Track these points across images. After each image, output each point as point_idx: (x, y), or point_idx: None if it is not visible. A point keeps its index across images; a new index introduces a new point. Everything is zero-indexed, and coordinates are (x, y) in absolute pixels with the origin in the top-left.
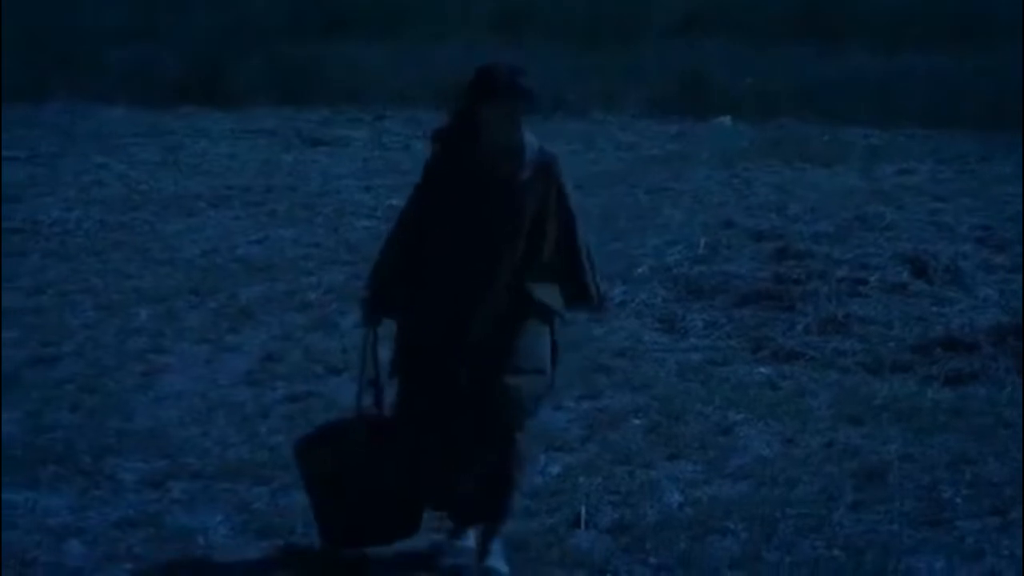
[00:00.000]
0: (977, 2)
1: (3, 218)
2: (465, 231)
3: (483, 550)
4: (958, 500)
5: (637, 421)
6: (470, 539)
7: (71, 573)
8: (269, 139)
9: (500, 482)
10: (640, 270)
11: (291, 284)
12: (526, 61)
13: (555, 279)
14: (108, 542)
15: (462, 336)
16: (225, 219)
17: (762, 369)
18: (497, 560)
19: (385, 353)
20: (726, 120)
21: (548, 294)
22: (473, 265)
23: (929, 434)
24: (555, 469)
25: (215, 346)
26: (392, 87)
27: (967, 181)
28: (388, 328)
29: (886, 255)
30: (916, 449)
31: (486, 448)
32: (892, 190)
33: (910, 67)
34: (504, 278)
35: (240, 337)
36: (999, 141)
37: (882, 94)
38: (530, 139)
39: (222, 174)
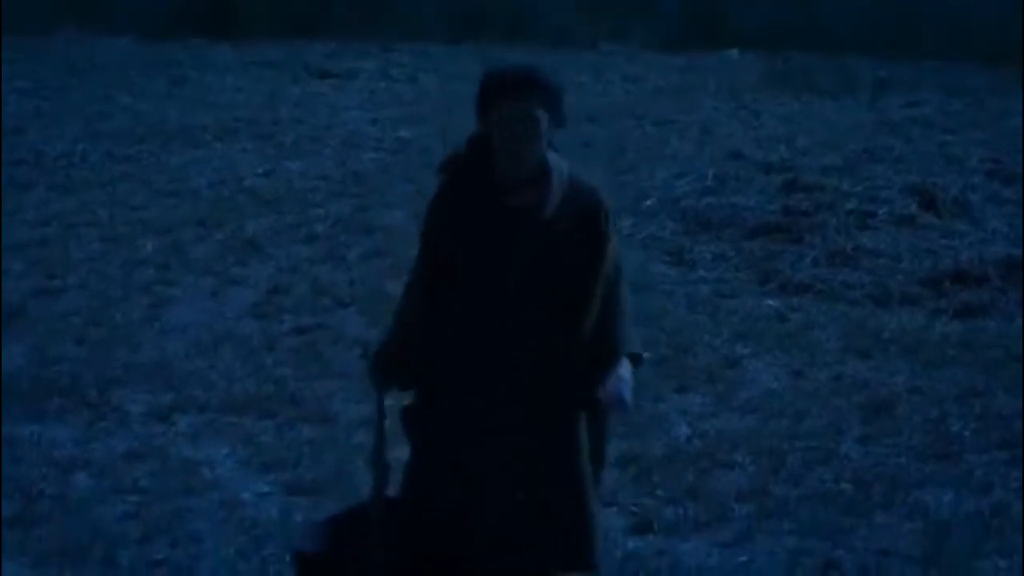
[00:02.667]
0: None
1: (8, 150)
2: (484, 282)
3: None
4: (966, 433)
5: (645, 354)
6: None
7: (77, 505)
8: (276, 71)
9: None
10: (648, 203)
11: (298, 216)
12: None
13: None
14: (114, 474)
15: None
16: (232, 151)
17: (770, 302)
18: None
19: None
20: (734, 52)
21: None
22: (496, 331)
23: (937, 367)
24: None
25: (221, 278)
26: (400, 19)
27: (976, 113)
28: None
29: (895, 188)
30: (924, 382)
31: None
32: (901, 122)
33: None
34: (534, 348)
35: (247, 269)
36: (1008, 73)
37: (891, 26)
38: (559, 163)
39: (228, 106)
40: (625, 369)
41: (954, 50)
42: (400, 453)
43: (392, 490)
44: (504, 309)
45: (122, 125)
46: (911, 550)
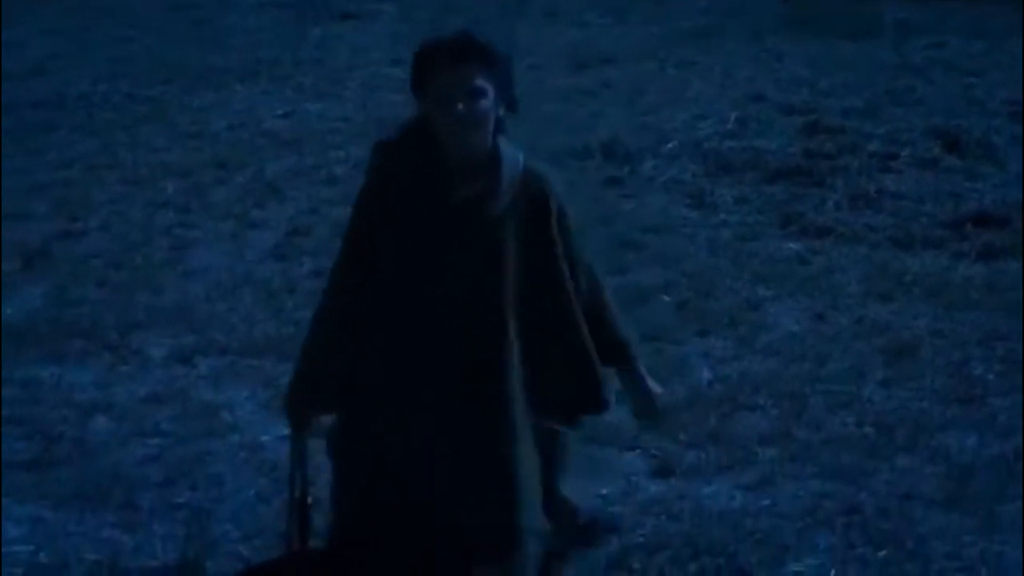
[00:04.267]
0: None
1: (29, 91)
2: (423, 288)
3: None
4: (989, 376)
5: (666, 297)
6: None
7: (97, 448)
8: (297, 12)
9: None
10: (669, 145)
11: (318, 158)
12: None
13: (561, 364)
14: (134, 418)
15: (428, 452)
16: (252, 93)
17: (792, 245)
18: None
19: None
20: None
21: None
22: (438, 339)
23: (960, 310)
24: None
25: (242, 221)
26: None
27: (999, 55)
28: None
29: (917, 130)
30: (947, 325)
31: None
32: (923, 64)
33: None
34: (484, 357)
35: (267, 212)
36: None
37: None
38: (510, 150)
39: (250, 47)
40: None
41: None
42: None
43: (315, 536)
44: (450, 318)
45: (143, 66)
46: (934, 494)
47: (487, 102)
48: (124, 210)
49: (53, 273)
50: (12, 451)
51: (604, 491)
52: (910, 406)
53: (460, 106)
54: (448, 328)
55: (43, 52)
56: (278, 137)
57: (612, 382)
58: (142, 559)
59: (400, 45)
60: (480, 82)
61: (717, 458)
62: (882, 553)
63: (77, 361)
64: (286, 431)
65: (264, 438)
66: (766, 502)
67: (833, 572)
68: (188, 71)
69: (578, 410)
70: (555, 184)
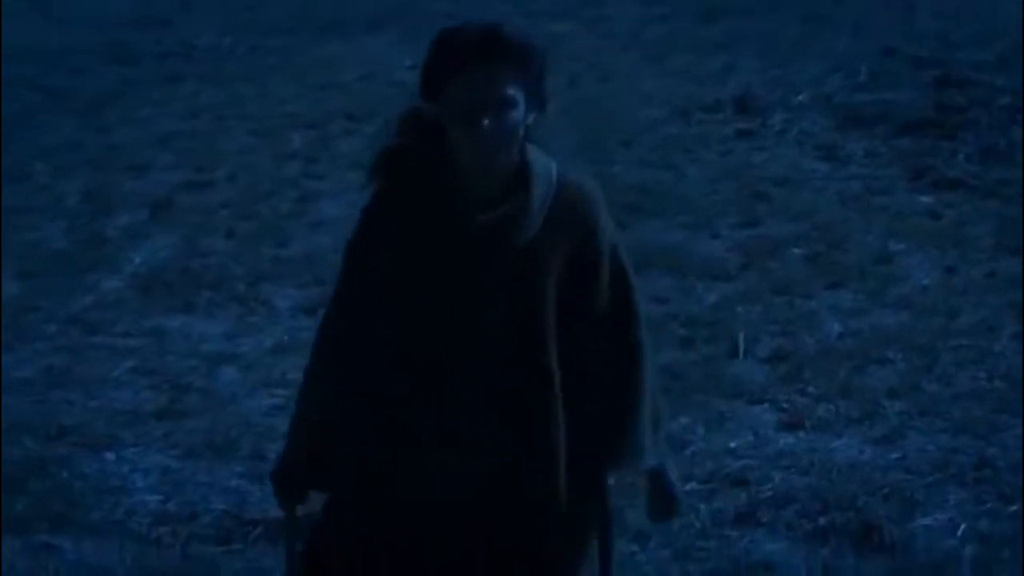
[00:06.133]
0: None
1: (157, 42)
2: (440, 340)
3: None
4: None
5: (796, 250)
6: None
7: (225, 399)
8: None
9: None
10: (800, 98)
11: None
12: None
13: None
14: (262, 368)
15: (460, 541)
16: (381, 44)
17: (922, 198)
18: None
19: None
20: None
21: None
22: (465, 398)
23: None
24: (712, 298)
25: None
26: None
27: None
28: None
29: None
30: None
31: None
32: None
33: None
34: (512, 411)
35: None
36: None
37: None
38: (543, 162)
39: None
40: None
41: None
42: None
43: None
44: (471, 365)
45: (271, 16)
46: None
47: (517, 114)
48: (251, 161)
49: (180, 224)
50: (140, 401)
51: (732, 444)
52: None
53: (485, 121)
54: (476, 384)
55: (171, 3)
56: (406, 88)
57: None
58: (269, 509)
59: None
60: (511, 90)
61: (846, 411)
62: (1013, 508)
63: (205, 312)
64: None
65: None
66: (895, 456)
67: (963, 527)
68: (316, 21)
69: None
70: (599, 198)
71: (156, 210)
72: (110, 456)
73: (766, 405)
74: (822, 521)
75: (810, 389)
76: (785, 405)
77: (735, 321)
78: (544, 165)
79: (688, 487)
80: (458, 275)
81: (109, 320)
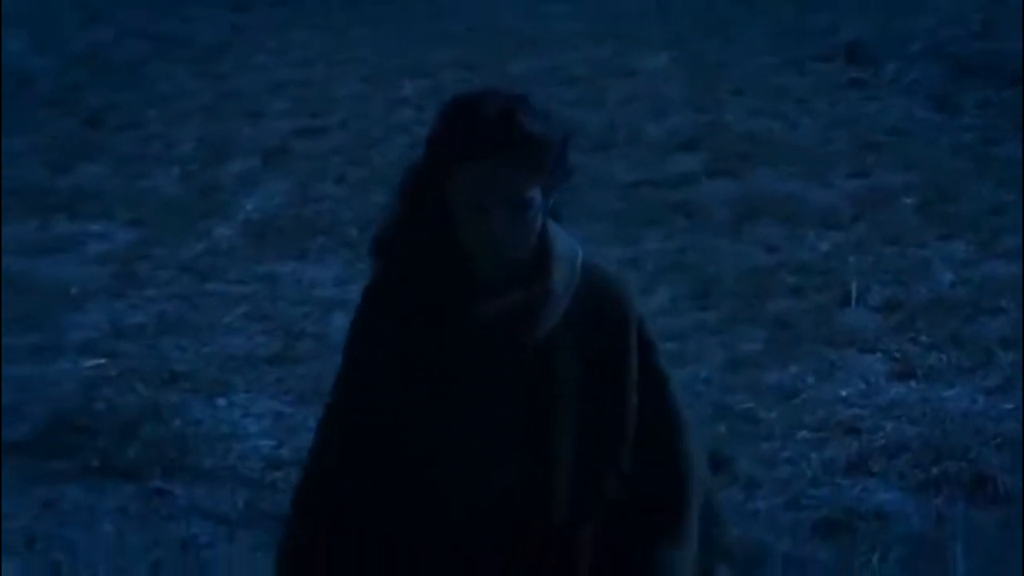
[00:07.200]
0: None
1: None
2: (444, 449)
3: None
4: None
5: (908, 200)
6: None
7: (337, 345)
8: None
9: None
10: (913, 48)
11: (557, 59)
12: None
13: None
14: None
15: None
16: None
17: None
18: None
19: None
20: None
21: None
22: (470, 519)
23: None
24: (824, 247)
25: None
26: None
27: None
28: None
29: None
30: None
31: None
32: None
33: None
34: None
35: None
36: None
37: None
38: (565, 244)
39: None
40: None
41: None
42: None
43: None
44: (481, 473)
45: None
46: None
47: (533, 212)
48: (364, 108)
49: (293, 170)
50: (253, 347)
51: (843, 393)
52: None
53: (498, 220)
54: (484, 502)
55: None
56: (518, 37)
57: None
58: None
59: None
60: (526, 192)
61: (958, 361)
62: None
63: (317, 258)
64: None
65: None
66: (1008, 406)
67: None
68: None
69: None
70: (630, 291)
71: (269, 157)
72: (222, 402)
73: (878, 354)
74: (934, 471)
75: (922, 338)
76: (897, 354)
77: (847, 270)
78: (567, 248)
79: (799, 435)
80: (460, 376)
81: (221, 267)
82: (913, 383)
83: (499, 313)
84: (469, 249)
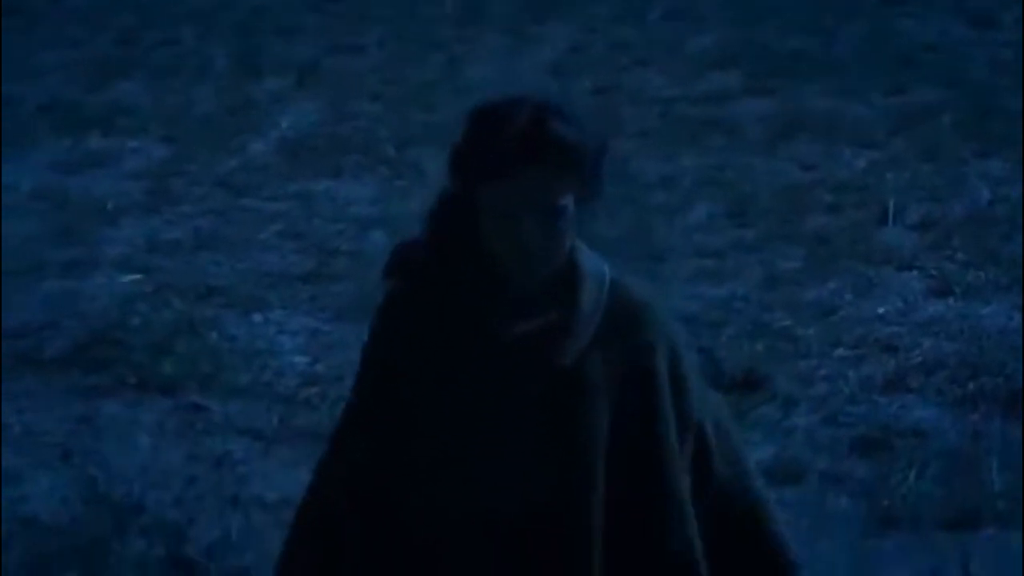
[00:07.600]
0: None
1: None
2: (464, 472)
3: None
4: None
5: (945, 117)
6: None
7: (373, 262)
8: None
9: None
10: None
11: None
12: None
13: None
14: (410, 231)
15: None
16: None
17: None
18: None
19: None
20: None
21: None
22: (489, 547)
23: None
24: (861, 164)
25: (519, 36)
26: None
27: None
28: None
29: None
30: None
31: None
32: None
33: None
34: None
35: (545, 27)
36: None
37: None
38: (594, 265)
39: None
40: None
41: None
42: None
43: None
44: (495, 512)
45: None
46: None
47: (565, 222)
48: (400, 25)
49: (328, 88)
50: (288, 263)
51: (881, 310)
52: None
53: (528, 230)
54: (502, 530)
55: None
56: None
57: None
58: None
59: None
60: (559, 200)
61: (995, 278)
62: None
63: (353, 176)
64: None
65: None
66: None
67: None
68: None
69: None
70: (663, 312)
71: (303, 74)
72: (258, 318)
73: (915, 272)
74: (971, 387)
75: (959, 255)
76: (934, 272)
77: (884, 187)
78: (596, 267)
79: (836, 353)
80: (485, 394)
81: (256, 183)
82: (950, 300)
83: (529, 332)
84: (499, 261)
